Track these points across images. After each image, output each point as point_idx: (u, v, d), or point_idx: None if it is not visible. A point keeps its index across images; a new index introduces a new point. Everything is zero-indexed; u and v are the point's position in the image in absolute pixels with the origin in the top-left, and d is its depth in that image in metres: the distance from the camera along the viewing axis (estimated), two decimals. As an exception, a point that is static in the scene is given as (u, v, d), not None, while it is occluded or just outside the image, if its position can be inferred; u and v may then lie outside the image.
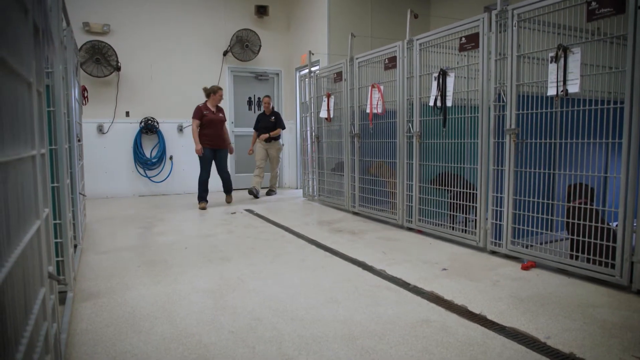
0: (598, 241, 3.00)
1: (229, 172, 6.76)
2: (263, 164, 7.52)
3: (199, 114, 6.25)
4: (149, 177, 7.76)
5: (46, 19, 1.42)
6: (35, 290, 1.33)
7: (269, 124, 7.48)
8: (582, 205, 3.14)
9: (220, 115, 6.48)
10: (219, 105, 6.51)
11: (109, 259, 3.72)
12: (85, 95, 7.06)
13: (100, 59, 7.12)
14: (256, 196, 7.29)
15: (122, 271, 3.38)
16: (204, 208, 6.25)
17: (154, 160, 7.74)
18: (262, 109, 7.75)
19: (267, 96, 7.62)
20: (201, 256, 3.80)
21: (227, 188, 6.71)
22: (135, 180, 7.71)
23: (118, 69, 7.31)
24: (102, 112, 7.42)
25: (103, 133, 7.47)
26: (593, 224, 3.04)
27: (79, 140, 4.47)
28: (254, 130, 7.61)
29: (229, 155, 6.73)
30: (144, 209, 6.40)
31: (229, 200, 6.75)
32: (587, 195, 3.21)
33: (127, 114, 7.59)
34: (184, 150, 7.96)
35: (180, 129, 7.95)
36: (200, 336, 2.27)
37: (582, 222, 3.11)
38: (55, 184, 2.59)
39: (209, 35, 8.07)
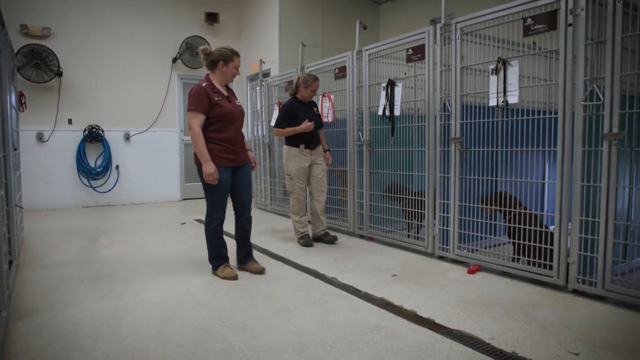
0: (537, 244, 3.16)
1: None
2: (305, 194, 4.59)
3: (206, 101, 3.29)
4: (93, 188, 7.44)
5: (-25, 22, 1.34)
6: (-38, 311, 1.25)
7: (316, 120, 4.46)
8: (523, 211, 3.30)
9: (238, 103, 3.55)
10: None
11: (49, 275, 3.53)
12: (23, 101, 6.70)
13: (40, 63, 6.78)
14: (311, 244, 4.45)
15: (63, 287, 3.22)
16: (235, 277, 3.36)
17: (98, 170, 7.44)
18: (300, 96, 4.48)
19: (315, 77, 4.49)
20: (149, 268, 3.67)
21: (247, 244, 3.65)
22: (78, 190, 7.37)
23: (59, 74, 6.98)
24: (42, 119, 7.05)
25: (43, 141, 7.10)
26: (532, 227, 3.20)
27: (15, 149, 4.23)
28: (280, 128, 4.39)
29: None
30: (88, 220, 6.13)
31: (257, 269, 3.53)
32: (513, 203, 3.37)
33: (70, 121, 7.26)
34: (131, 159, 7.71)
35: (127, 138, 7.69)
36: (146, 352, 2.19)
37: (522, 226, 3.26)
38: (-12, 196, 2.44)
39: (157, 41, 7.87)
